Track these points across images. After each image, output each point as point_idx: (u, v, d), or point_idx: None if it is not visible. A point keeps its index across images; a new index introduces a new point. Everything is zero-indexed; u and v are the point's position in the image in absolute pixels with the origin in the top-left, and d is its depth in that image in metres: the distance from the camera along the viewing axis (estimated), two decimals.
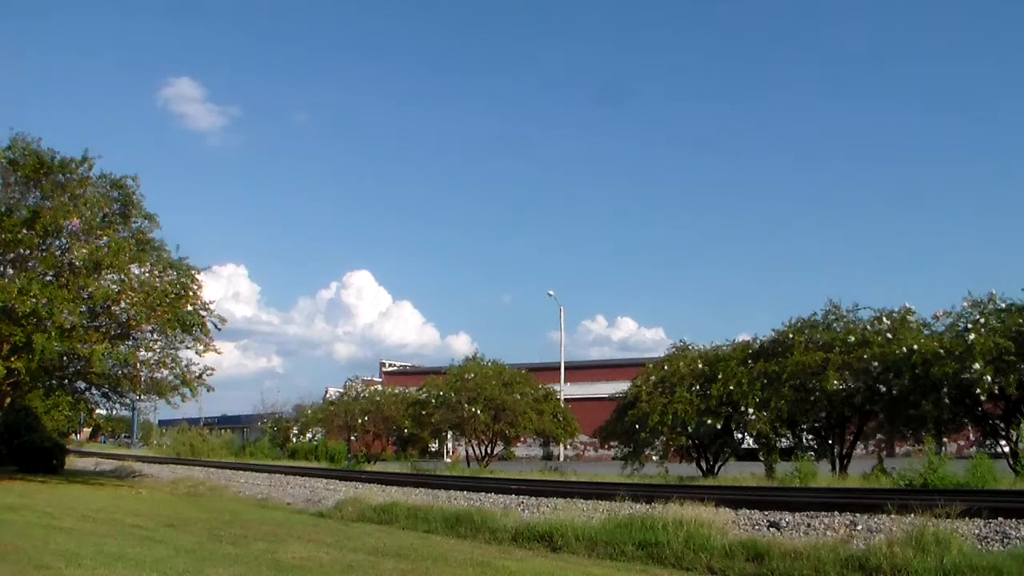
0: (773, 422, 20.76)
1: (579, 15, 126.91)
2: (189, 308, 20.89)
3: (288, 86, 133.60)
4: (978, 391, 17.34)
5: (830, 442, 21.63)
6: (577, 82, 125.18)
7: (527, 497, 15.03)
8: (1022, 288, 19.27)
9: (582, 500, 13.99)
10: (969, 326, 18.61)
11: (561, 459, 40.72)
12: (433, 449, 42.70)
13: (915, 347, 18.95)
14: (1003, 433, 18.64)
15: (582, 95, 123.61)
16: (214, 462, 35.82)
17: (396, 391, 40.92)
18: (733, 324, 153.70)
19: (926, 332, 20.18)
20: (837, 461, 20.99)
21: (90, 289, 19.53)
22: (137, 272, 20.42)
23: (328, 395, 49.91)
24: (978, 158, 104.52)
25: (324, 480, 22.61)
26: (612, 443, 25.58)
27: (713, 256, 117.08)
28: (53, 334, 18.24)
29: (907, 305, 21.16)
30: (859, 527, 9.55)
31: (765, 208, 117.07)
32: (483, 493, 16.20)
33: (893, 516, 9.67)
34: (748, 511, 11.27)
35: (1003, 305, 19.00)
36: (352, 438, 42.34)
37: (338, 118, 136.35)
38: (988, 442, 19.49)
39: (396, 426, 37.39)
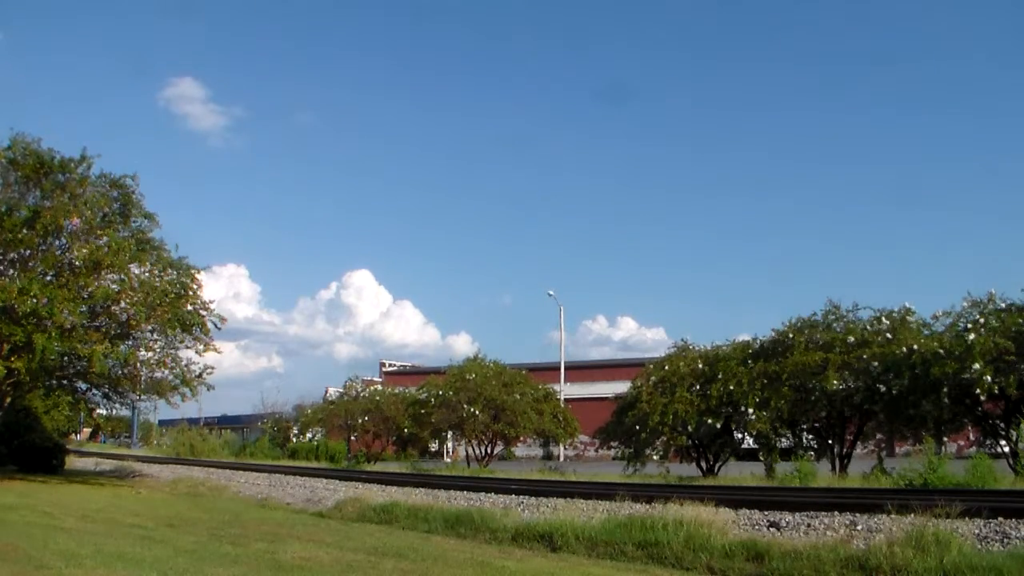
0: (773, 422, 20.76)
1: (580, 15, 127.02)
2: (189, 308, 20.90)
3: (290, 87, 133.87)
4: (978, 391, 17.33)
5: (830, 442, 21.63)
6: (577, 82, 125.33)
7: (527, 497, 15.02)
8: (1022, 288, 19.30)
9: (582, 500, 13.98)
10: (969, 326, 18.60)
11: (561, 459, 40.67)
12: (433, 449, 42.68)
13: (915, 347, 18.96)
14: (1003, 433, 18.63)
15: (582, 95, 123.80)
16: (214, 462, 35.80)
17: (396, 391, 40.89)
18: (733, 324, 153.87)
19: (926, 332, 20.18)
20: (837, 461, 20.99)
21: (90, 289, 19.53)
22: (137, 272, 20.42)
23: (328, 395, 49.87)
24: (978, 158, 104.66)
25: (324, 480, 22.60)
26: (612, 443, 25.58)
27: (713, 256, 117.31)
28: (53, 334, 18.24)
29: (907, 305, 21.20)
30: (859, 527, 9.55)
31: (765, 208, 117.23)
32: (483, 493, 16.20)
33: (893, 516, 9.67)
34: (748, 511, 11.27)
35: (1003, 305, 18.99)
36: (352, 438, 42.30)
37: (339, 118, 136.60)
38: (988, 442, 19.49)
39: (396, 426, 37.36)
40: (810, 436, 22.47)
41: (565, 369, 49.30)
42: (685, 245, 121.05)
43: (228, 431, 61.65)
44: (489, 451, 33.78)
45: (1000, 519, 9.06)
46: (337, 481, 21.85)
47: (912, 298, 70.37)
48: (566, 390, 45.95)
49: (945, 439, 21.26)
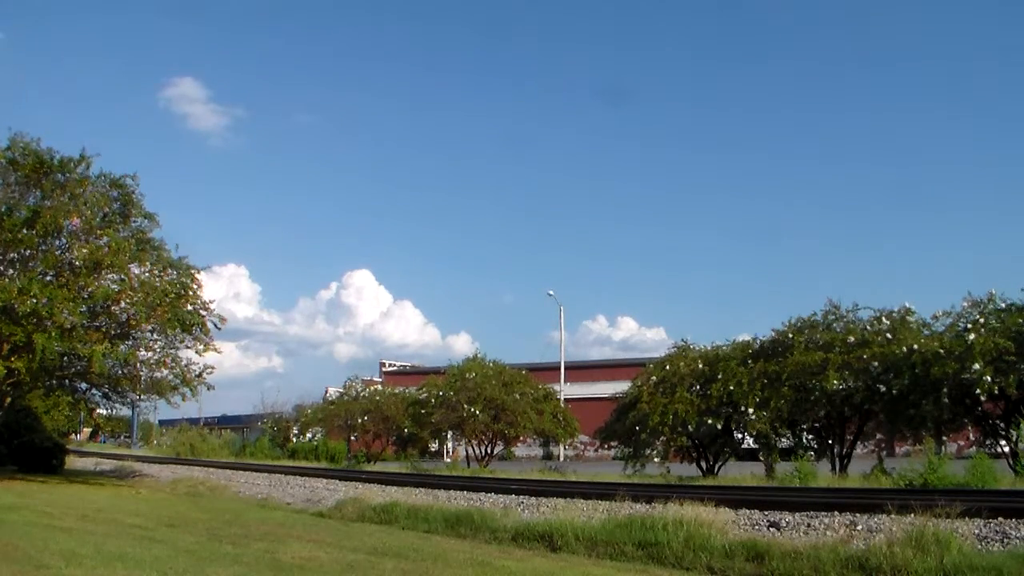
0: (773, 422, 20.76)
1: (579, 16, 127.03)
2: (189, 308, 20.90)
3: (291, 87, 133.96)
4: (978, 391, 17.33)
5: (830, 442, 21.63)
6: (577, 82, 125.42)
7: (527, 497, 15.02)
8: (1022, 288, 19.29)
9: (582, 500, 13.98)
10: (969, 326, 18.60)
11: (561, 459, 40.67)
12: (433, 449, 42.68)
13: (915, 347, 18.94)
14: (1003, 433, 18.62)
15: (582, 95, 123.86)
16: (214, 462, 35.80)
17: (396, 391, 40.90)
18: (733, 324, 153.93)
19: (926, 332, 20.17)
20: (837, 461, 20.99)
21: (90, 289, 19.54)
22: (137, 272, 20.42)
23: (328, 395, 49.87)
24: (978, 158, 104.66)
25: (324, 480, 22.59)
26: (612, 443, 25.58)
27: (713, 256, 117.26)
28: (53, 334, 18.24)
29: (907, 305, 21.18)
30: (859, 527, 9.55)
31: (765, 208, 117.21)
32: (483, 493, 16.19)
33: (893, 516, 9.66)
34: (748, 511, 11.26)
35: (1003, 305, 18.99)
36: (352, 438, 42.31)
37: (340, 119, 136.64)
38: (988, 442, 19.48)
39: (396, 426, 37.36)
40: (810, 436, 22.46)
41: (565, 369, 49.29)
42: (685, 245, 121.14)
43: (228, 431, 61.63)
44: (489, 451, 33.77)
45: (1000, 519, 9.05)
46: (337, 481, 21.84)
47: (912, 298, 70.36)
48: (566, 390, 45.93)
49: (945, 439, 21.25)
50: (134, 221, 21.69)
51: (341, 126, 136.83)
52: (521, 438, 36.66)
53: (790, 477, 16.76)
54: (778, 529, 10.00)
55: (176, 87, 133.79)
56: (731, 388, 21.20)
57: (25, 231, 19.36)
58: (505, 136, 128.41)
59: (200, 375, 21.74)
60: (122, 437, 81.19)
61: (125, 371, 21.64)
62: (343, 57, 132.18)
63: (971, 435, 21.28)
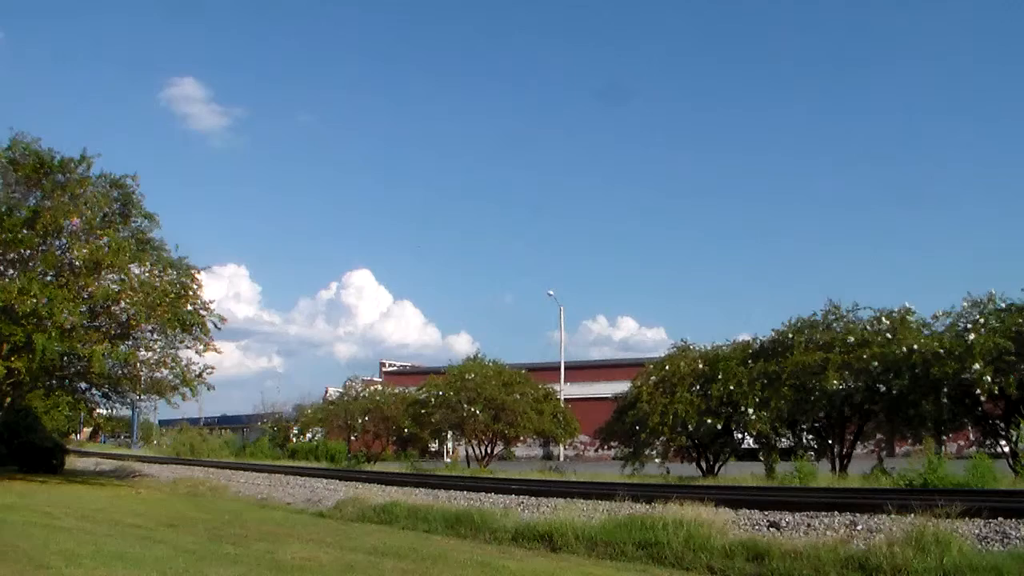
0: (773, 422, 20.77)
1: (579, 16, 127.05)
2: (189, 308, 20.88)
3: (291, 87, 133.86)
4: (978, 391, 17.35)
5: (830, 442, 21.64)
6: (578, 83, 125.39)
7: (527, 497, 15.03)
8: (1022, 288, 19.32)
9: (582, 500, 13.98)
10: (969, 326, 18.62)
11: (561, 459, 40.68)
12: (433, 449, 42.68)
13: (915, 347, 18.97)
14: (1003, 433, 18.64)
15: (583, 96, 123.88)
16: (214, 462, 35.81)
17: (396, 391, 40.90)
18: (733, 324, 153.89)
19: (926, 332, 20.20)
20: (837, 461, 21.00)
21: (90, 289, 19.53)
22: (137, 272, 20.41)
23: (328, 395, 49.86)
24: (978, 158, 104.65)
25: (324, 480, 22.60)
26: (612, 443, 25.59)
27: (713, 256, 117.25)
28: (53, 334, 18.23)
29: (907, 305, 21.21)
30: (859, 527, 9.55)
31: (765, 208, 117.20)
32: (483, 493, 16.20)
33: (893, 516, 9.67)
34: (748, 511, 11.27)
35: (1003, 305, 19.02)
36: (352, 438, 42.31)
37: (340, 119, 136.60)
38: (988, 442, 19.49)
39: (396, 426, 37.36)
40: (810, 436, 22.48)
41: (565, 369, 49.28)
42: (685, 245, 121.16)
43: (228, 431, 61.65)
44: (489, 451, 33.77)
45: (1000, 519, 9.06)
46: (337, 481, 21.85)
47: (912, 298, 70.43)
48: (566, 390, 45.92)
49: (945, 439, 21.26)
50: (134, 221, 21.70)
51: (341, 126, 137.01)
52: (521, 438, 36.65)
53: (790, 477, 16.76)
54: (778, 529, 10.00)
55: (176, 87, 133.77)
56: (731, 388, 21.22)
57: (25, 231, 19.35)
58: (505, 136, 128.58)
59: (200, 375, 21.72)
60: (122, 437, 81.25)
61: (125, 371, 21.62)
62: (343, 57, 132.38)
63: (971, 435, 21.30)
